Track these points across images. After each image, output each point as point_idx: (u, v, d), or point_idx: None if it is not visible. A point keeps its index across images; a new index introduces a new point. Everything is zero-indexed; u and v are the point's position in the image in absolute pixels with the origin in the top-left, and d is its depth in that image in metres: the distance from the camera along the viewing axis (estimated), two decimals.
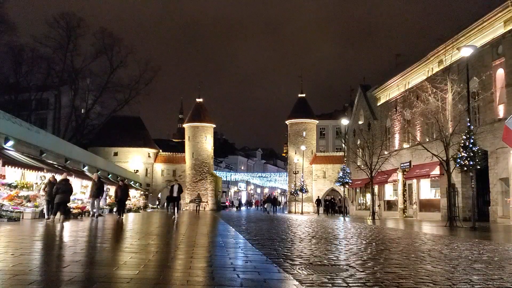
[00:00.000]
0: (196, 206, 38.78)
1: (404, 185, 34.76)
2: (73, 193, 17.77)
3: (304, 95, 58.64)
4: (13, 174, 18.18)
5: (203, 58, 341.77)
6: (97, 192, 19.56)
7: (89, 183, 28.68)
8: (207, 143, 57.33)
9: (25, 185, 18.54)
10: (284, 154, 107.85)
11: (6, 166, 16.58)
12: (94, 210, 19.47)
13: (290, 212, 53.43)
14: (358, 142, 40.58)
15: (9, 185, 17.43)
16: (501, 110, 22.87)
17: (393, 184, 36.93)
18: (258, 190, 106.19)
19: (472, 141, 17.72)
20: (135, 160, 55.71)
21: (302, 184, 48.09)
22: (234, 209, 64.46)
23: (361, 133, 39.42)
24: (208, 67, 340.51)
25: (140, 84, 57.13)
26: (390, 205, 37.90)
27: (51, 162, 22.70)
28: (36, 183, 20.09)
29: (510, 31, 22.39)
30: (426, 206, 31.15)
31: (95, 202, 19.60)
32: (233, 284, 4.84)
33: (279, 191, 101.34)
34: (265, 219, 25.39)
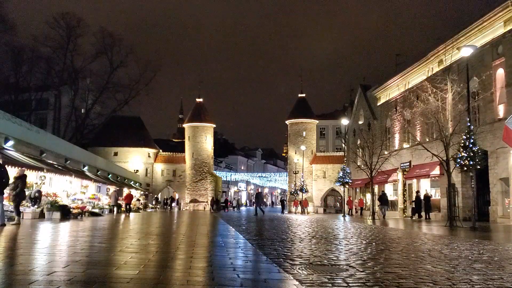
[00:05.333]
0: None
1: (404, 185, 34.76)
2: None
3: (304, 95, 58.78)
4: (13, 174, 18.12)
5: (205, 58, 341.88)
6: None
7: (89, 183, 28.87)
8: (207, 143, 57.35)
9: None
10: (284, 154, 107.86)
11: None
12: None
13: (290, 212, 53.41)
14: (358, 142, 40.59)
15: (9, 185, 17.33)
16: (501, 110, 22.87)
17: (393, 184, 36.93)
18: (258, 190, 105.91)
19: (472, 141, 17.72)
20: (135, 160, 55.74)
21: (302, 184, 48.10)
22: (233, 209, 63.83)
23: (361, 133, 39.44)
24: (210, 66, 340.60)
25: (140, 84, 57.25)
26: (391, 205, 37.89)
27: (51, 162, 22.70)
28: (36, 183, 20.09)
29: (510, 31, 22.38)
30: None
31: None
32: (233, 284, 4.84)
33: (279, 191, 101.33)
34: (265, 219, 25.38)
